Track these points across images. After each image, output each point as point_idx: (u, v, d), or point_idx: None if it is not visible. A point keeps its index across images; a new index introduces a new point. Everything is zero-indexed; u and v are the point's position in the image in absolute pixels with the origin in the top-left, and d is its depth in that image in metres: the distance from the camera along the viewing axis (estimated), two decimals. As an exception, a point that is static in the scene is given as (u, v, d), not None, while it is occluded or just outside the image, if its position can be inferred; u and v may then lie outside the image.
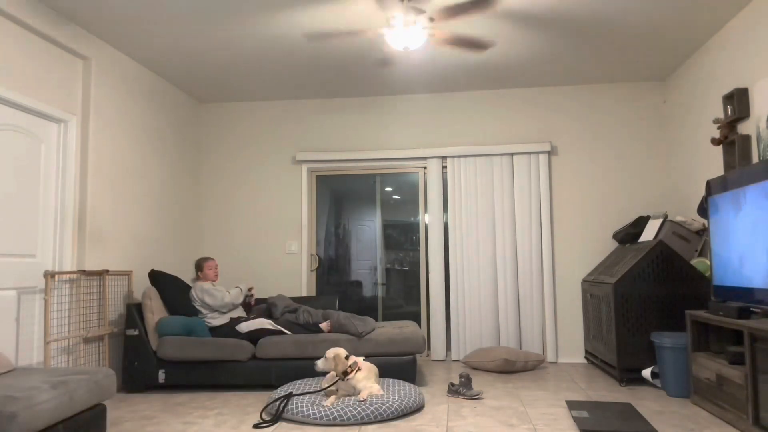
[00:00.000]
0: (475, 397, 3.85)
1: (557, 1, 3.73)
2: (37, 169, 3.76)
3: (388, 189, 5.91)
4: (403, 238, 5.83)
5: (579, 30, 4.19)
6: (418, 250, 5.70)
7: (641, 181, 5.33)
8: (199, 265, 4.73)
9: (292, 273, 5.68)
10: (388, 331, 4.38)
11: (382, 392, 3.57)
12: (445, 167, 5.58)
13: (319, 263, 5.82)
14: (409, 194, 5.81)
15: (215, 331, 4.43)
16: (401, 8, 3.54)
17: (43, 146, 3.82)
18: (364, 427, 3.23)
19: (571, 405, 3.56)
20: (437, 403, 3.76)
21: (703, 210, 4.02)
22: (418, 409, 3.58)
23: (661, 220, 4.61)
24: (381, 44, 4.41)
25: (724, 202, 3.47)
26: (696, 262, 4.37)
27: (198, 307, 4.55)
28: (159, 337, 4.28)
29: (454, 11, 3.50)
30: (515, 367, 4.74)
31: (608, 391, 4.04)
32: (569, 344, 5.29)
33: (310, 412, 3.30)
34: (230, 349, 4.22)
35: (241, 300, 4.62)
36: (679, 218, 4.61)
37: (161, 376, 4.24)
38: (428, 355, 5.49)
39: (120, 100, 4.51)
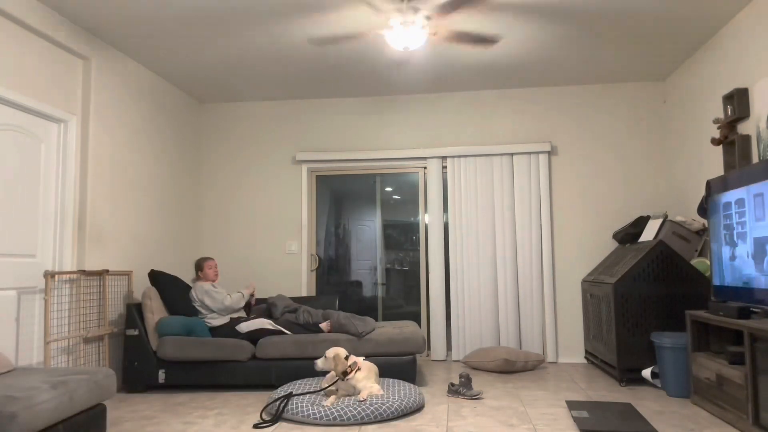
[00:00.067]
0: (475, 397, 3.85)
1: (558, 1, 3.73)
2: (37, 169, 3.76)
3: (388, 189, 5.91)
4: (403, 238, 5.83)
5: (579, 30, 4.19)
6: (418, 250, 5.70)
7: (641, 181, 5.33)
8: (199, 265, 4.73)
9: (292, 273, 5.68)
10: (388, 331, 4.38)
11: (382, 392, 3.57)
12: (445, 167, 5.58)
13: (319, 263, 5.82)
14: (409, 194, 5.81)
15: (215, 331, 4.43)
16: (398, 9, 3.55)
17: (43, 146, 3.82)
18: (364, 427, 3.23)
19: (571, 405, 3.56)
20: (437, 403, 3.76)
21: (703, 210, 4.02)
22: (418, 409, 3.58)
23: (661, 220, 4.61)
24: (382, 45, 4.41)
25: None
26: (696, 262, 4.37)
27: (198, 308, 4.55)
28: (159, 337, 4.28)
29: (449, 7, 3.50)
30: (515, 367, 4.74)
31: (608, 391, 4.04)
32: (569, 344, 5.29)
33: (310, 412, 3.30)
34: (230, 349, 4.22)
35: (241, 305, 4.61)
36: (679, 218, 4.61)
37: (161, 376, 4.24)
38: (428, 355, 5.49)
39: (120, 100, 4.51)
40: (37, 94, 3.71)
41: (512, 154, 5.45)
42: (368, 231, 5.92)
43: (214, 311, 4.51)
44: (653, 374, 4.08)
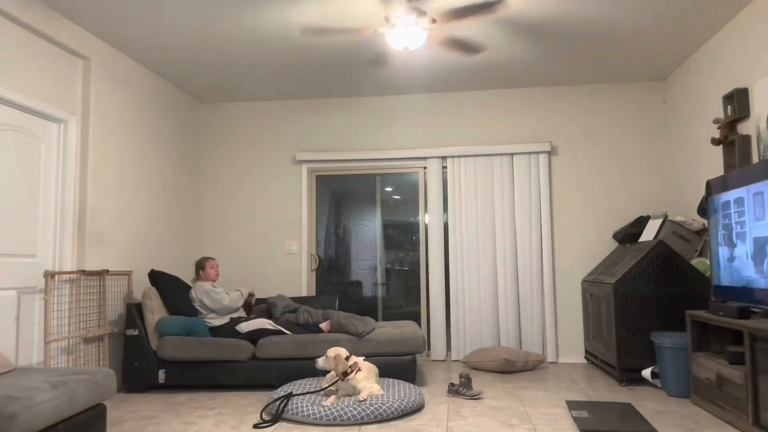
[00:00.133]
0: (475, 397, 3.85)
1: (558, 3, 3.73)
2: (37, 169, 3.76)
3: (388, 189, 5.91)
4: (403, 238, 5.83)
5: (579, 30, 4.19)
6: (418, 250, 5.70)
7: (641, 181, 5.33)
8: (201, 265, 4.73)
9: (292, 273, 5.68)
10: (388, 331, 4.38)
11: (382, 392, 3.57)
12: (445, 167, 5.58)
13: (319, 263, 5.82)
14: (409, 194, 5.81)
15: (215, 331, 4.43)
16: (403, 8, 3.53)
17: (43, 146, 3.82)
18: (364, 427, 3.23)
19: (571, 405, 3.56)
20: (437, 403, 3.76)
21: (703, 210, 4.02)
22: (418, 409, 3.58)
23: (661, 220, 4.61)
24: (380, 43, 4.40)
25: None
26: (696, 262, 4.37)
27: (198, 307, 4.55)
28: (159, 337, 4.28)
29: (457, 14, 3.49)
30: (515, 367, 4.74)
31: (608, 391, 4.04)
32: (569, 344, 5.29)
33: (310, 412, 3.30)
34: (230, 349, 4.22)
35: (240, 304, 4.62)
36: (679, 218, 4.61)
37: (161, 376, 4.24)
38: (428, 355, 5.49)
39: (120, 100, 4.51)
40: (37, 94, 3.71)
41: (512, 154, 5.45)
42: (368, 231, 5.92)
43: (213, 311, 4.51)
44: (653, 374, 4.08)
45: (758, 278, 3.08)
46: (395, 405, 3.39)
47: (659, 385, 4.07)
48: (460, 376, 3.91)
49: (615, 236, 5.20)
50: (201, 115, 5.94)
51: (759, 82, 3.71)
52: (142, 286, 4.76)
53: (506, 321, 5.29)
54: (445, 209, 5.55)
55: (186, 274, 5.47)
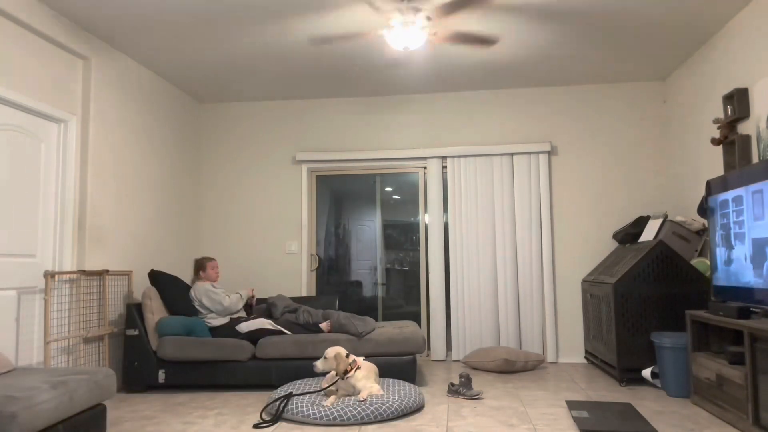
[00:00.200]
0: (475, 397, 3.85)
1: (559, 1, 3.73)
2: (37, 169, 3.76)
3: (388, 189, 5.91)
4: (403, 238, 5.83)
5: (579, 30, 4.19)
6: (418, 250, 5.70)
7: (641, 181, 5.33)
8: (202, 265, 4.72)
9: (292, 273, 5.68)
10: (388, 331, 4.38)
11: (382, 392, 3.57)
12: (445, 167, 5.58)
13: (319, 263, 5.82)
14: (409, 194, 5.81)
15: (215, 331, 4.43)
16: (399, 9, 3.54)
17: (43, 146, 3.82)
18: (364, 427, 3.23)
19: (571, 405, 3.56)
20: (437, 403, 3.76)
21: (703, 210, 4.02)
22: (418, 409, 3.58)
23: (661, 220, 4.61)
24: (382, 45, 4.41)
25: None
26: (696, 262, 4.37)
27: (197, 307, 4.55)
28: (159, 337, 4.28)
29: (450, 8, 3.50)
30: (515, 367, 4.74)
31: (608, 391, 4.04)
32: (569, 344, 5.29)
33: (310, 412, 3.30)
34: (230, 349, 4.22)
35: (240, 307, 4.61)
36: (679, 218, 4.61)
37: (161, 376, 4.24)
38: (428, 355, 5.49)
39: (120, 100, 4.51)
40: (37, 94, 3.71)
41: (512, 154, 5.45)
42: (368, 231, 5.92)
43: (213, 311, 4.51)
44: (653, 374, 4.08)
45: (757, 279, 3.08)
46: (395, 405, 3.39)
47: (659, 385, 4.07)
48: (460, 376, 3.91)
49: (615, 236, 5.20)
50: (201, 115, 5.94)
51: (759, 82, 3.71)
52: (142, 286, 4.76)
53: (506, 321, 5.29)
54: (445, 209, 5.55)
55: (186, 274, 5.47)
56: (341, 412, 3.27)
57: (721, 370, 3.27)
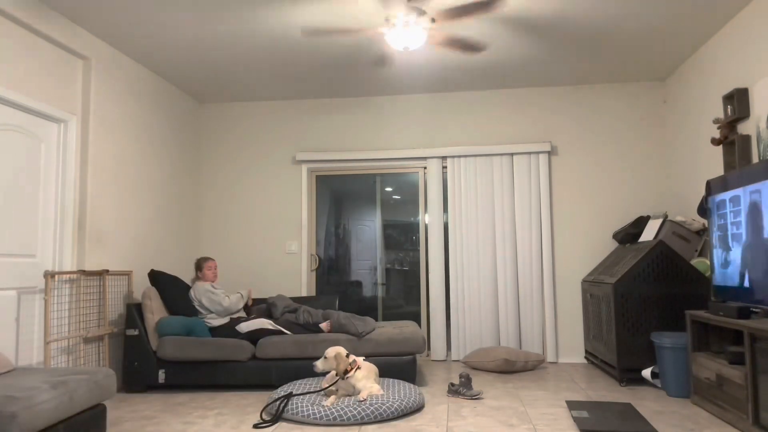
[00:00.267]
0: (475, 397, 3.85)
1: (558, 2, 3.73)
2: (37, 169, 3.76)
3: (388, 189, 5.91)
4: (403, 238, 5.83)
5: (579, 30, 4.19)
6: (418, 250, 5.70)
7: (641, 181, 5.33)
8: (199, 265, 4.73)
9: (292, 273, 5.68)
10: (388, 331, 4.38)
11: (382, 392, 3.57)
12: (445, 167, 5.58)
13: (319, 263, 5.82)
14: (409, 194, 5.81)
15: (215, 331, 4.43)
16: (403, 8, 3.53)
17: (43, 146, 3.82)
18: (364, 427, 3.23)
19: (571, 405, 3.56)
20: (437, 403, 3.76)
21: (703, 210, 4.02)
22: (418, 409, 3.58)
23: (661, 220, 4.61)
24: (380, 43, 4.41)
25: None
26: (696, 262, 4.37)
27: (197, 307, 4.55)
28: (159, 337, 4.28)
29: (456, 13, 3.49)
30: (515, 367, 4.74)
31: (608, 391, 4.04)
32: (569, 344, 5.29)
33: (310, 412, 3.30)
34: (230, 349, 4.22)
35: (239, 307, 4.60)
36: (679, 218, 4.61)
37: (161, 376, 4.24)
38: (428, 355, 5.49)
39: (120, 100, 4.51)
40: (37, 94, 3.71)
41: (512, 154, 5.45)
42: (368, 231, 5.92)
43: (212, 312, 4.52)
44: (653, 374, 4.08)
45: (757, 279, 3.08)
46: (395, 405, 3.39)
47: (659, 385, 4.07)
48: (460, 376, 3.91)
49: (615, 236, 5.20)
50: (201, 115, 5.94)
51: (759, 82, 3.71)
52: (142, 286, 4.76)
53: (506, 321, 5.29)
54: (445, 209, 5.55)
55: (186, 274, 5.47)
56: (341, 412, 3.27)
57: (721, 370, 3.27)
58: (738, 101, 3.87)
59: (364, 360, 3.74)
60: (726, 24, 4.13)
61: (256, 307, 4.85)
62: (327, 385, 3.63)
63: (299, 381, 3.98)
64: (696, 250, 4.51)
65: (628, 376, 4.20)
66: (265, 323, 4.41)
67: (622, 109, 5.41)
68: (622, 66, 4.97)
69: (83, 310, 3.99)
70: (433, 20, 3.63)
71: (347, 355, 3.58)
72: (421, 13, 3.55)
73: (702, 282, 4.21)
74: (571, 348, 5.29)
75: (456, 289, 5.40)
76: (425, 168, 5.68)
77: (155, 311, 4.38)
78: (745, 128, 3.90)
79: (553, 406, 3.65)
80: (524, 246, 5.32)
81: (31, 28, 3.59)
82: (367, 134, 5.72)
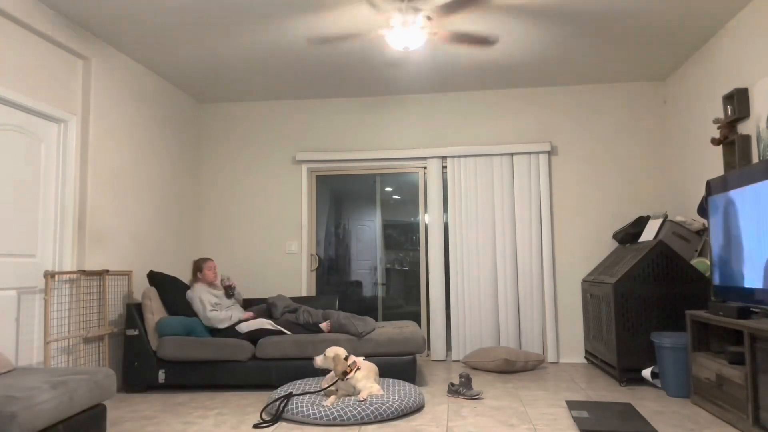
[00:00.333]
0: (475, 397, 3.85)
1: (558, 2, 3.73)
2: (37, 169, 3.76)
3: (388, 189, 5.91)
4: (403, 238, 5.83)
5: (579, 30, 4.19)
6: (418, 250, 5.70)
7: (641, 181, 5.33)
8: (199, 267, 4.70)
9: (292, 273, 5.68)
10: (388, 331, 4.38)
11: (382, 392, 3.57)
12: (445, 167, 5.58)
13: (319, 263, 5.82)
14: (409, 194, 5.81)
15: (215, 331, 4.43)
16: (399, 8, 3.54)
17: (43, 146, 3.82)
18: (364, 427, 3.23)
19: (571, 405, 3.56)
20: (437, 403, 3.76)
21: (703, 210, 4.02)
22: (418, 409, 3.58)
23: (661, 220, 4.61)
24: (382, 45, 4.41)
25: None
26: (696, 262, 4.37)
27: (194, 309, 4.54)
28: (159, 337, 4.28)
29: (450, 8, 3.50)
30: (515, 367, 4.74)
31: (608, 391, 4.04)
32: (569, 344, 5.29)
33: (310, 412, 3.30)
34: (230, 349, 4.22)
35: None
36: (679, 218, 4.61)
37: (161, 376, 4.24)
38: (428, 355, 5.49)
39: (120, 100, 4.51)
40: (37, 94, 3.71)
41: (512, 154, 5.45)
42: (368, 231, 5.92)
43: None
44: (653, 374, 4.08)
45: (758, 279, 3.08)
46: (395, 405, 3.39)
47: (659, 385, 4.07)
48: (460, 376, 3.91)
49: (615, 236, 5.20)
50: (201, 115, 5.94)
51: (759, 82, 3.71)
52: (142, 286, 4.76)
53: (506, 321, 5.29)
54: (445, 209, 5.55)
55: (186, 275, 5.47)
56: (341, 412, 3.27)
57: (721, 370, 3.27)
58: (738, 101, 3.87)
59: (364, 360, 3.74)
60: (726, 24, 4.13)
61: (256, 307, 4.84)
62: (327, 385, 3.63)
63: (299, 381, 3.98)
64: (696, 250, 4.51)
65: (628, 376, 4.20)
66: (265, 323, 4.41)
67: (622, 109, 5.41)
68: (622, 66, 4.97)
69: (83, 310, 3.99)
70: (429, 18, 3.63)
71: (346, 358, 3.58)
72: (417, 11, 3.56)
73: (702, 282, 4.21)
74: (571, 348, 5.29)
75: (456, 289, 5.40)
76: (425, 168, 5.68)
77: (155, 311, 4.38)
78: (745, 128, 3.90)
79: (553, 406, 3.65)
80: (524, 246, 5.32)
81: (31, 28, 3.59)
82: (367, 134, 5.73)
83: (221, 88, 5.44)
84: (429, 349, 5.49)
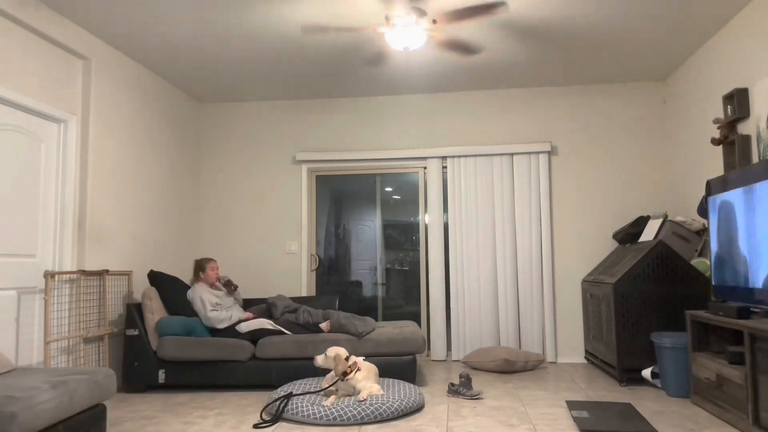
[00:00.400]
0: (475, 397, 3.85)
1: (558, 4, 3.73)
2: (37, 169, 3.76)
3: (388, 189, 5.91)
4: (403, 238, 5.83)
5: (579, 31, 4.19)
6: (418, 250, 5.70)
7: (641, 181, 5.33)
8: (202, 266, 4.67)
9: (292, 273, 5.68)
10: (388, 331, 4.38)
11: (382, 392, 3.57)
12: (445, 167, 5.58)
13: (319, 263, 5.82)
14: (409, 194, 5.81)
15: (215, 331, 4.43)
16: (404, 8, 3.53)
17: (43, 146, 3.82)
18: (364, 427, 3.23)
19: (571, 405, 3.56)
20: (437, 403, 3.76)
21: (703, 210, 4.02)
22: (418, 409, 3.58)
23: (661, 220, 4.61)
24: (379, 42, 4.40)
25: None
26: (696, 262, 4.37)
27: (195, 309, 4.54)
28: (159, 337, 4.28)
29: (458, 15, 3.49)
30: (515, 367, 4.74)
31: (608, 391, 4.04)
32: (569, 344, 5.29)
33: (310, 412, 3.30)
34: (230, 349, 4.22)
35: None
36: (679, 218, 4.61)
37: (161, 376, 4.24)
38: (428, 355, 5.49)
39: (120, 100, 4.51)
40: (37, 94, 3.71)
41: (512, 154, 5.45)
42: (368, 231, 5.92)
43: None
44: (653, 374, 4.08)
45: (757, 278, 3.08)
46: (395, 405, 3.39)
47: (659, 385, 4.07)
48: (460, 376, 3.91)
49: (615, 236, 5.20)
50: (201, 115, 5.94)
51: (759, 82, 3.71)
52: (142, 286, 4.76)
53: (506, 321, 5.29)
54: (445, 209, 5.55)
55: (186, 275, 5.47)
56: (341, 412, 3.27)
57: (721, 370, 3.27)
58: (738, 101, 3.87)
59: (364, 360, 3.74)
60: (726, 24, 4.13)
61: (256, 307, 4.84)
62: (327, 385, 3.63)
63: (299, 381, 3.98)
64: (696, 250, 4.51)
65: (628, 376, 4.20)
66: (265, 323, 4.41)
67: (622, 109, 5.41)
68: (622, 66, 4.97)
69: (83, 310, 3.99)
70: (435, 21, 3.62)
71: (347, 358, 3.58)
72: (422, 14, 3.55)
73: (702, 282, 4.21)
74: (571, 348, 5.29)
75: (456, 289, 5.40)
76: (425, 168, 5.68)
77: (155, 311, 4.38)
78: (745, 128, 3.90)
79: (553, 406, 3.65)
80: (524, 246, 5.32)
81: (31, 28, 3.59)
82: (367, 134, 5.72)
83: (221, 88, 5.44)
84: (429, 349, 5.49)
